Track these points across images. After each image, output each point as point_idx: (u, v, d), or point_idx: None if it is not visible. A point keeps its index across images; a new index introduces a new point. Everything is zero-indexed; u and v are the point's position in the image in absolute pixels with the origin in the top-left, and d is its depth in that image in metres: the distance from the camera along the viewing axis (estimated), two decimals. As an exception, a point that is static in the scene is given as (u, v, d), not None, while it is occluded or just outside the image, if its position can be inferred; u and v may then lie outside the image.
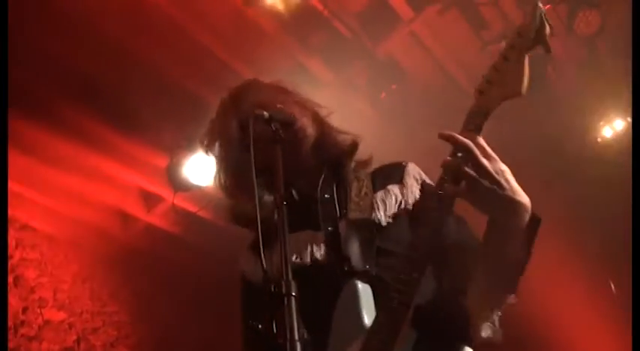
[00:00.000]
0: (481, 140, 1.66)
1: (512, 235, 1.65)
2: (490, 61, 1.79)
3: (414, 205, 1.96)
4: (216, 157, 2.15)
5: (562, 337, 6.05)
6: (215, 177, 2.16)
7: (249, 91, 2.16)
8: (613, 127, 6.32)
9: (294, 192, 1.85)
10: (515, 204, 1.62)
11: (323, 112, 2.19)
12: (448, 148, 1.89)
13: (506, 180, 1.62)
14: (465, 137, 1.64)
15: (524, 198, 1.65)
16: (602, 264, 6.08)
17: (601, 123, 6.38)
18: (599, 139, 6.41)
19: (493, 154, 1.65)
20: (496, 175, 1.60)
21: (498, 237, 1.67)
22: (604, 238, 6.07)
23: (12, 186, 5.40)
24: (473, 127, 1.70)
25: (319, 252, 1.91)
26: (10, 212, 5.70)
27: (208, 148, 2.18)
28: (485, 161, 1.61)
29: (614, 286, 6.15)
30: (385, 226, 1.92)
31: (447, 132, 1.66)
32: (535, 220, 1.67)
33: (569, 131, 6.20)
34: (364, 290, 1.77)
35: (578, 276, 6.10)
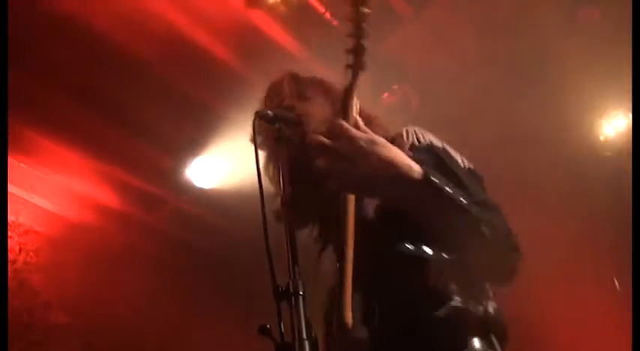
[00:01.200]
0: (342, 123, 1.57)
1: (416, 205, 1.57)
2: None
3: None
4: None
5: (566, 337, 6.05)
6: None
7: (280, 87, 2.18)
8: (615, 124, 6.32)
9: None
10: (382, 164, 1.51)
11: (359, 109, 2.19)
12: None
13: (364, 154, 1.51)
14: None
15: (392, 157, 1.54)
16: (606, 262, 6.07)
17: (603, 120, 6.38)
18: (601, 137, 6.41)
19: (350, 132, 1.55)
20: (353, 153, 1.51)
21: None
22: (607, 235, 6.06)
23: (15, 190, 5.42)
24: (346, 101, 1.70)
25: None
26: (13, 217, 5.71)
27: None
28: (352, 132, 1.53)
29: (619, 284, 6.14)
30: (373, 223, 1.87)
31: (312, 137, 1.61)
32: (425, 180, 1.55)
33: (571, 129, 6.20)
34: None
35: (581, 274, 6.09)
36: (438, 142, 1.98)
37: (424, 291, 1.74)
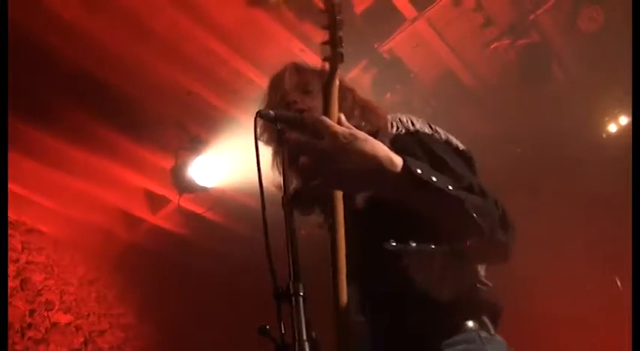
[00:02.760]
0: (324, 119, 1.52)
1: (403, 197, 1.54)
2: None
3: None
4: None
5: (568, 334, 6.04)
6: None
7: (282, 79, 2.14)
8: (618, 122, 6.32)
9: (300, 192, 1.84)
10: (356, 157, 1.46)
11: (358, 96, 2.16)
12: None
13: (345, 150, 1.46)
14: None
15: (375, 159, 1.47)
16: (608, 260, 6.07)
17: (606, 119, 6.38)
18: (604, 135, 6.41)
19: (332, 128, 1.49)
20: (334, 149, 1.46)
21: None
22: (610, 233, 6.05)
23: (18, 189, 5.42)
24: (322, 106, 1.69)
25: None
26: (16, 216, 5.71)
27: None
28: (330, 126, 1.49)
29: (620, 283, 6.14)
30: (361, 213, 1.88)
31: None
32: (406, 171, 1.50)
33: (574, 127, 6.20)
34: None
35: (584, 271, 6.08)
36: (425, 127, 1.97)
37: (413, 281, 1.76)
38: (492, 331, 1.78)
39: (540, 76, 5.61)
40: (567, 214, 6.12)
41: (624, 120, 6.25)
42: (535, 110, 5.94)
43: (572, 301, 6.03)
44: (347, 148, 1.46)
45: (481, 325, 1.76)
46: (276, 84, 2.16)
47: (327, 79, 1.69)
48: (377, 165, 1.47)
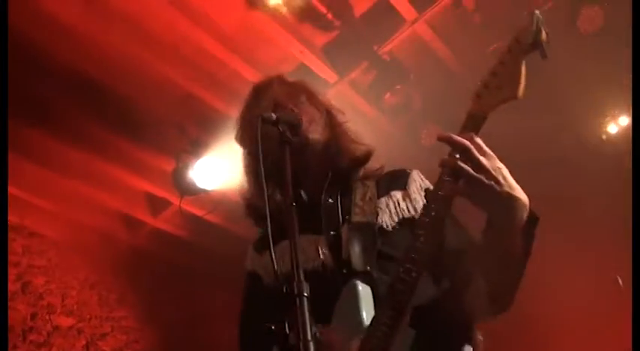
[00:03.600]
0: (478, 139, 1.69)
1: (509, 232, 1.66)
2: (493, 60, 1.82)
3: (417, 212, 1.96)
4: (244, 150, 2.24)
5: (570, 334, 6.05)
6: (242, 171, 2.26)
7: (270, 87, 2.20)
8: (618, 123, 6.32)
9: (302, 193, 1.85)
10: (513, 200, 1.64)
11: (341, 118, 2.23)
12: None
13: (504, 177, 1.64)
14: (462, 137, 1.68)
15: (521, 195, 1.66)
16: (609, 259, 6.07)
17: (606, 119, 6.38)
18: (603, 136, 6.41)
19: (490, 152, 1.68)
20: (493, 172, 1.63)
21: (496, 234, 1.68)
22: (610, 234, 6.06)
23: (19, 193, 5.42)
24: (470, 129, 1.74)
25: (320, 255, 1.94)
26: (17, 219, 5.71)
27: (240, 142, 2.26)
28: (482, 158, 1.64)
29: (622, 281, 6.14)
30: (388, 231, 1.95)
31: (445, 133, 1.70)
32: (533, 219, 1.68)
33: (574, 128, 6.20)
34: (364, 291, 1.78)
35: (584, 272, 6.09)
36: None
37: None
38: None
39: (539, 77, 5.60)
40: (566, 215, 6.12)
41: (624, 120, 6.25)
42: (534, 111, 5.94)
43: (572, 301, 6.04)
44: (502, 172, 1.65)
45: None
46: (262, 92, 2.20)
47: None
48: (521, 197, 1.66)
